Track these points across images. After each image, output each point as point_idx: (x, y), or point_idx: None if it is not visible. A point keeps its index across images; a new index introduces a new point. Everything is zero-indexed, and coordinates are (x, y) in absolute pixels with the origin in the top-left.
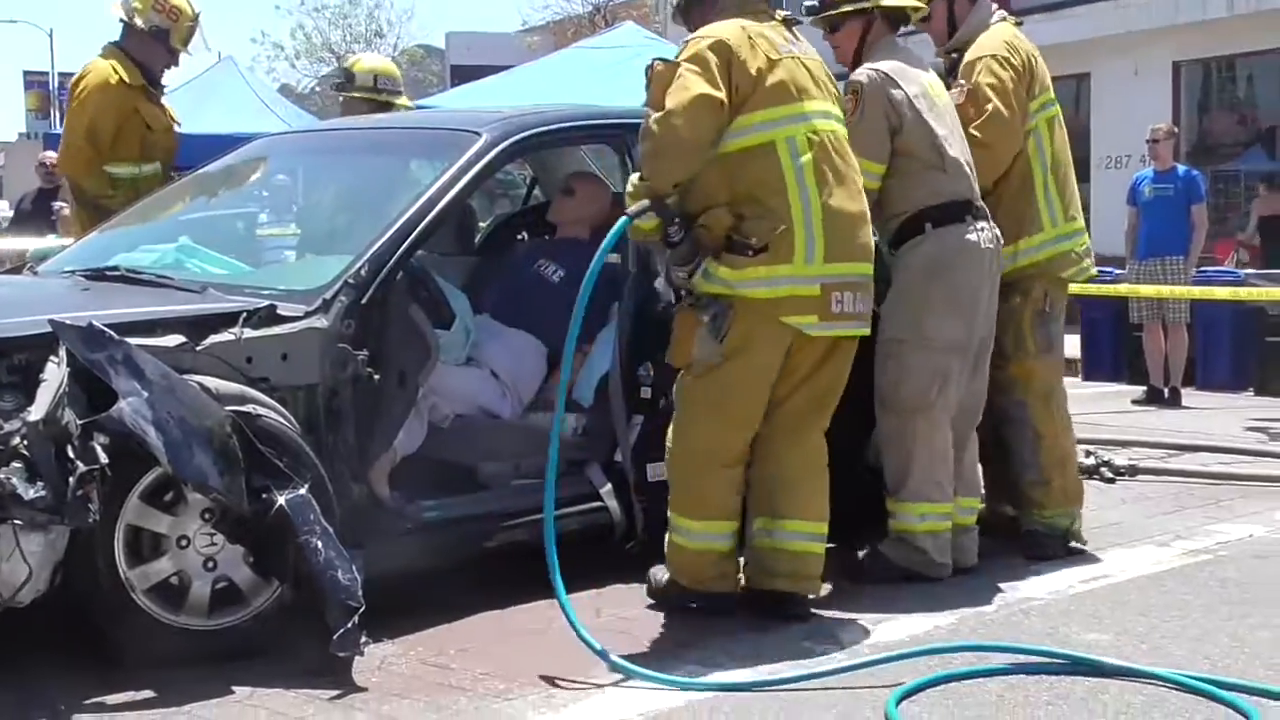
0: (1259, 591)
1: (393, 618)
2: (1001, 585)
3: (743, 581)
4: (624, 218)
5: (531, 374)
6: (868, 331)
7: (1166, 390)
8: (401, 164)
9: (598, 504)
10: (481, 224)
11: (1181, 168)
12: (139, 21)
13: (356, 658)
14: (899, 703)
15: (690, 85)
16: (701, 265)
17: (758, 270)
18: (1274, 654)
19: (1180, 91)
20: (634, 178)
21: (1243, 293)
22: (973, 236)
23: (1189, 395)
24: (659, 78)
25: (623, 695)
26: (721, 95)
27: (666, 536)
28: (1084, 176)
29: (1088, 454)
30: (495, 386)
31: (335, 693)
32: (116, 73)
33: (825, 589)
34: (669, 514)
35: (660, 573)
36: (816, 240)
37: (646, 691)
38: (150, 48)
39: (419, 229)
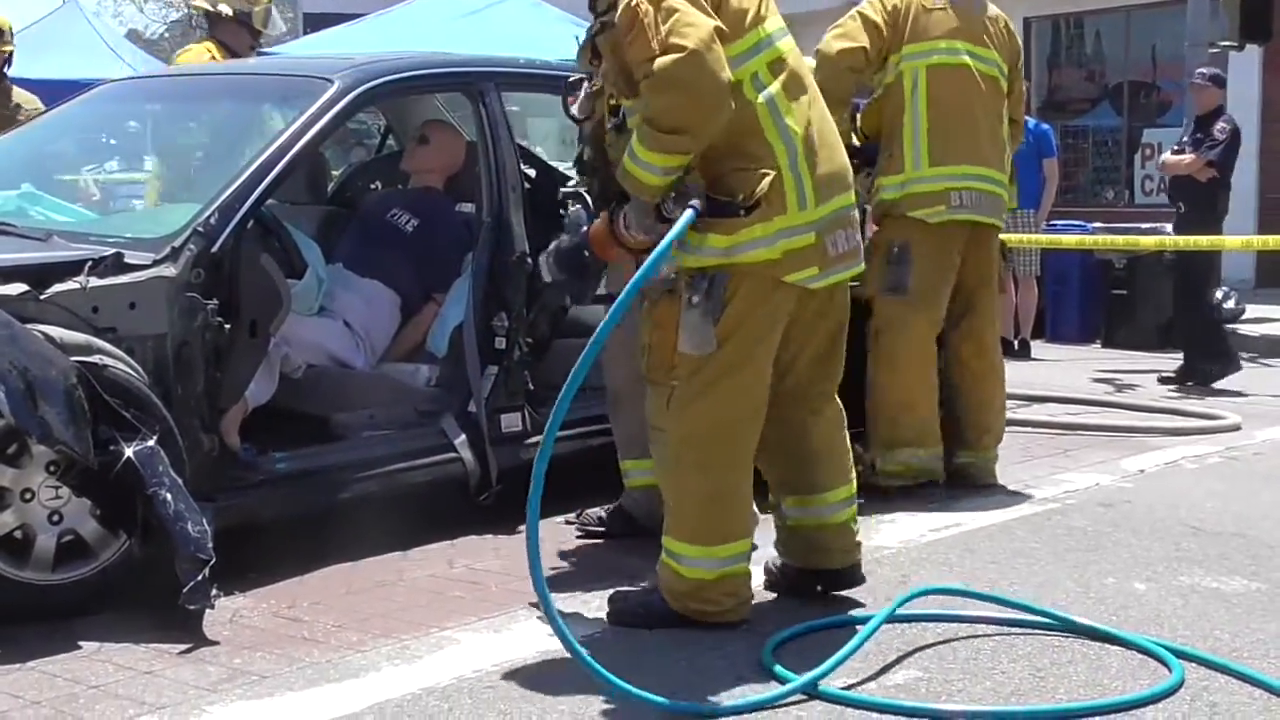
0: (1104, 539)
1: (244, 570)
2: None
3: (779, 563)
4: (690, 210)
5: (385, 324)
6: (863, 267)
7: (1016, 342)
8: (252, 111)
9: (451, 455)
10: (335, 173)
11: (1032, 121)
12: (224, 9)
13: (207, 611)
14: (774, 652)
15: (695, 19)
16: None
17: (753, 230)
18: (1117, 600)
19: (1030, 47)
20: (643, 143)
21: (1088, 240)
22: None
23: (1038, 347)
24: (634, 23)
25: (477, 644)
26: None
27: (666, 567)
28: None
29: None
30: (348, 337)
31: (185, 646)
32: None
33: None
34: (669, 545)
35: (636, 600)
36: (805, 180)
37: (500, 641)
38: (237, 33)
39: (270, 177)
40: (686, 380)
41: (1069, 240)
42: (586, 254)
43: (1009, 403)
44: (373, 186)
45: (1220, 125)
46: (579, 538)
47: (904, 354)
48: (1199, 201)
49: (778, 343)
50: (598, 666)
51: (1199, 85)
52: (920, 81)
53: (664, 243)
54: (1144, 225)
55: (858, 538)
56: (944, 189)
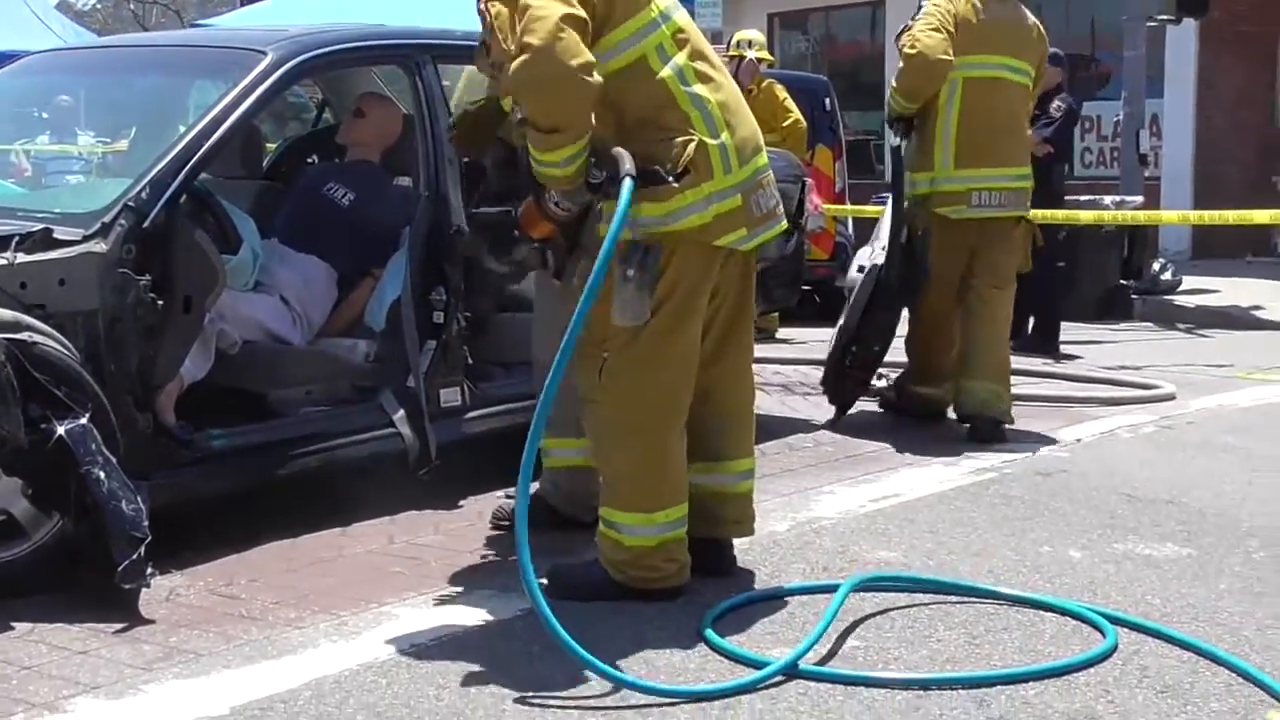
0: (1041, 508)
1: (180, 549)
2: (793, 505)
3: None
4: (628, 180)
5: (321, 299)
6: (784, 225)
7: None
8: (185, 84)
9: (390, 430)
10: (270, 146)
11: None
12: None
13: (143, 590)
14: (714, 623)
15: (543, 10)
16: (600, 213)
17: (685, 197)
18: (1053, 568)
19: None
20: (533, 145)
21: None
22: None
23: None
24: (492, 28)
25: (417, 620)
26: (583, 13)
27: (606, 538)
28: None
29: (879, 377)
30: (284, 312)
31: (121, 626)
32: None
33: None
34: (608, 515)
35: (578, 573)
36: (727, 144)
37: (440, 616)
38: None
39: (202, 151)
40: (619, 351)
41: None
42: (515, 232)
43: None
44: (309, 160)
45: (1056, 104)
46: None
47: (935, 314)
48: (1035, 179)
49: (704, 308)
50: (593, 659)
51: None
52: (958, 92)
53: (615, 223)
54: (1084, 197)
55: (752, 513)
56: (967, 190)
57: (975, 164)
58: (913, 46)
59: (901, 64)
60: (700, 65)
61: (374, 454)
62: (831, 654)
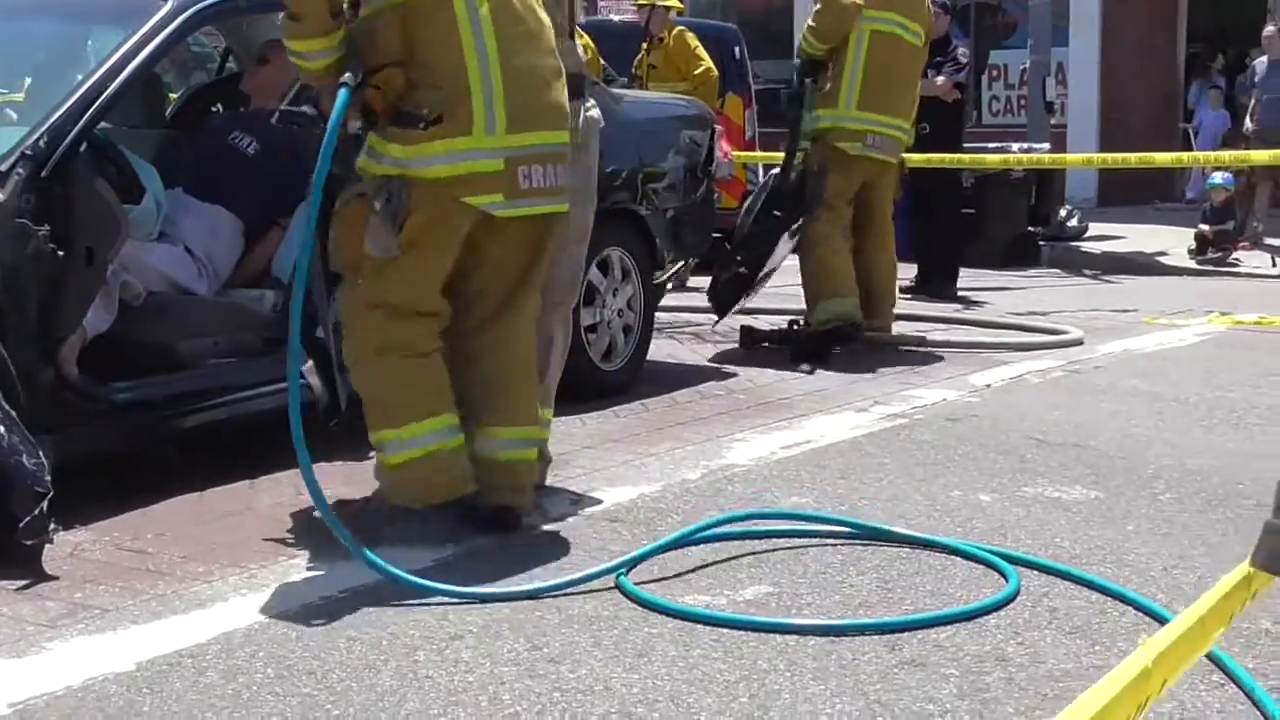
0: (951, 453)
1: (86, 504)
2: (705, 453)
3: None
4: (343, 89)
5: (228, 249)
6: (567, 208)
7: None
8: (83, 31)
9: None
10: (174, 95)
11: None
12: None
13: (46, 546)
14: (628, 572)
15: None
16: (365, 141)
17: (434, 145)
18: (963, 512)
19: None
20: (285, 34)
21: (935, 159)
22: (595, 114)
23: None
24: None
25: (328, 571)
26: None
27: (376, 463)
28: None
29: (792, 324)
30: (190, 263)
31: (23, 582)
32: None
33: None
34: (375, 439)
35: (363, 507)
36: (498, 107)
37: (350, 567)
38: None
39: (102, 99)
40: (368, 279)
41: (916, 158)
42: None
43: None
44: (213, 109)
45: (963, 50)
46: None
47: (829, 240)
48: (944, 122)
49: (449, 265)
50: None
51: (933, 12)
52: (865, 42)
53: (330, 128)
54: (991, 145)
55: (525, 483)
56: (864, 130)
57: (874, 109)
58: None
59: (818, 6)
60: (504, 23)
61: (282, 406)
62: (747, 601)
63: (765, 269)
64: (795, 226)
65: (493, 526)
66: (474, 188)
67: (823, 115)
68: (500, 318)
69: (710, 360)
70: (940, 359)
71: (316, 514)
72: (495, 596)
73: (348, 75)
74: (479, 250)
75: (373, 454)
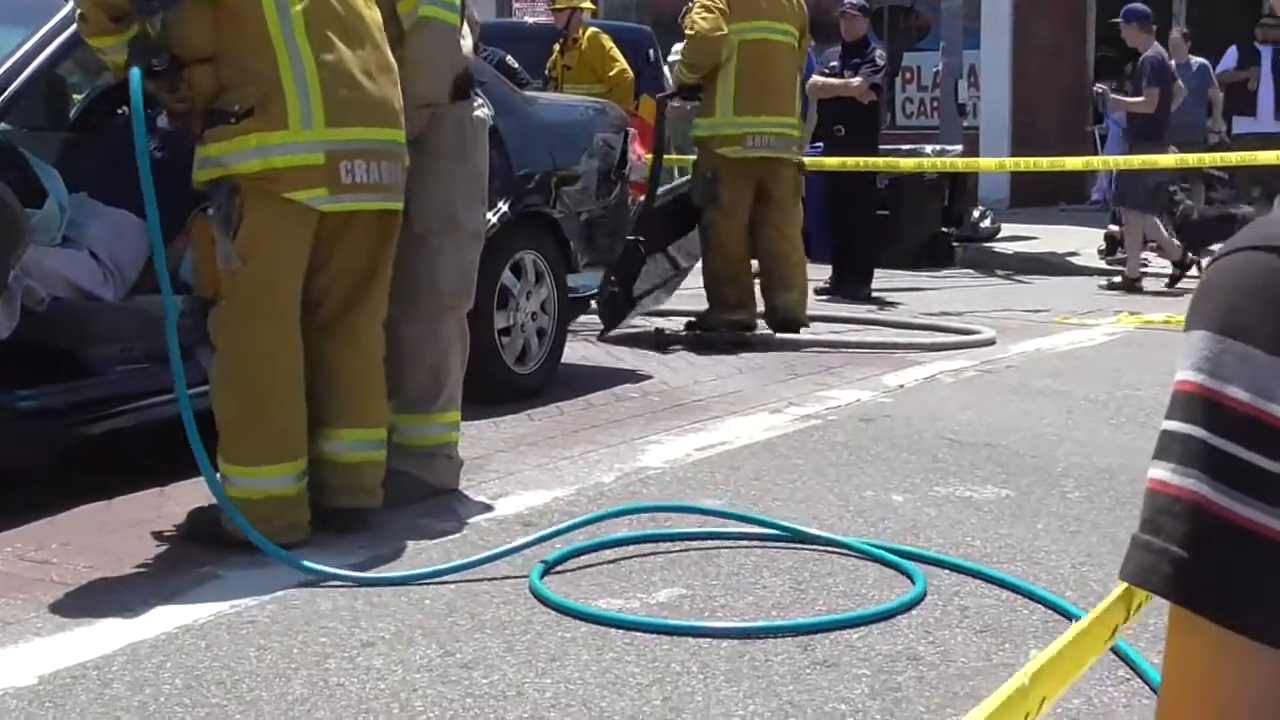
0: (864, 453)
1: None
2: (619, 456)
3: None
4: (136, 73)
5: (134, 254)
6: (399, 206)
7: None
8: None
9: (207, 387)
10: (78, 97)
11: None
12: None
13: None
14: (542, 577)
15: None
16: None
17: (247, 140)
18: (876, 512)
19: None
20: (80, 27)
21: (849, 162)
22: (482, 114)
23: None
24: None
25: (239, 580)
26: None
27: (223, 490)
28: None
29: (688, 325)
30: (95, 268)
31: None
32: None
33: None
34: (223, 467)
35: (207, 517)
36: (314, 101)
37: (263, 575)
38: None
39: (1, 99)
40: (226, 299)
41: (831, 162)
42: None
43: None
44: (119, 111)
45: (880, 52)
46: None
47: (726, 247)
48: (860, 124)
49: (303, 265)
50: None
51: (850, 14)
52: (735, 53)
53: (134, 111)
54: (905, 147)
55: (373, 484)
56: (744, 133)
57: (750, 112)
58: (692, 28)
59: (687, 40)
60: (327, 22)
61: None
62: (659, 604)
63: (639, 290)
64: (673, 246)
65: (341, 528)
66: (295, 182)
67: (701, 124)
68: (346, 318)
69: (625, 363)
70: (854, 360)
71: (226, 522)
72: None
73: (142, 59)
74: (321, 250)
75: None
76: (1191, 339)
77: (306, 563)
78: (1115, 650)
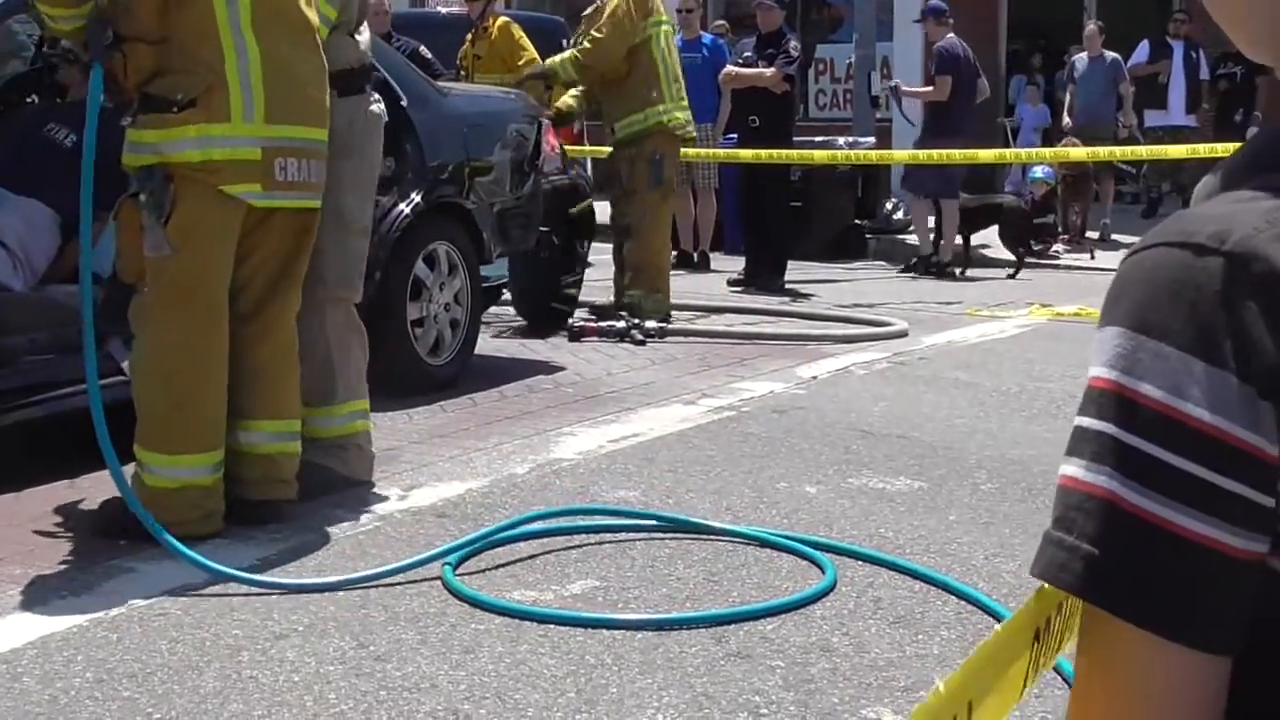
0: (778, 445)
1: None
2: (533, 447)
3: None
4: (96, 64)
5: (44, 244)
6: (318, 204)
7: (696, 254)
8: None
9: (120, 378)
10: None
11: (708, 37)
12: None
13: None
14: (455, 569)
15: None
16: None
17: (187, 130)
18: (789, 503)
19: None
20: None
21: (764, 154)
22: (377, 109)
23: (717, 259)
24: None
25: (151, 573)
26: None
27: (136, 479)
28: None
29: (620, 317)
30: (4, 257)
31: None
32: None
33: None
34: (137, 452)
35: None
36: (256, 96)
37: (175, 568)
38: None
39: None
40: (151, 286)
41: (745, 154)
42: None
43: (688, 314)
44: (28, 100)
45: (795, 43)
46: None
47: (664, 230)
48: (774, 115)
49: (231, 257)
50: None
51: (766, 6)
52: (662, 41)
53: (90, 100)
54: (818, 138)
55: (289, 474)
56: (687, 117)
57: (680, 98)
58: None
59: (601, 29)
60: (265, 18)
61: (105, 402)
62: (573, 595)
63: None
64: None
65: (257, 520)
66: (231, 175)
67: (651, 113)
68: (263, 310)
69: (538, 354)
70: (768, 351)
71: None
72: (320, 587)
73: (97, 32)
74: (244, 243)
75: None
76: (1105, 335)
77: (209, 563)
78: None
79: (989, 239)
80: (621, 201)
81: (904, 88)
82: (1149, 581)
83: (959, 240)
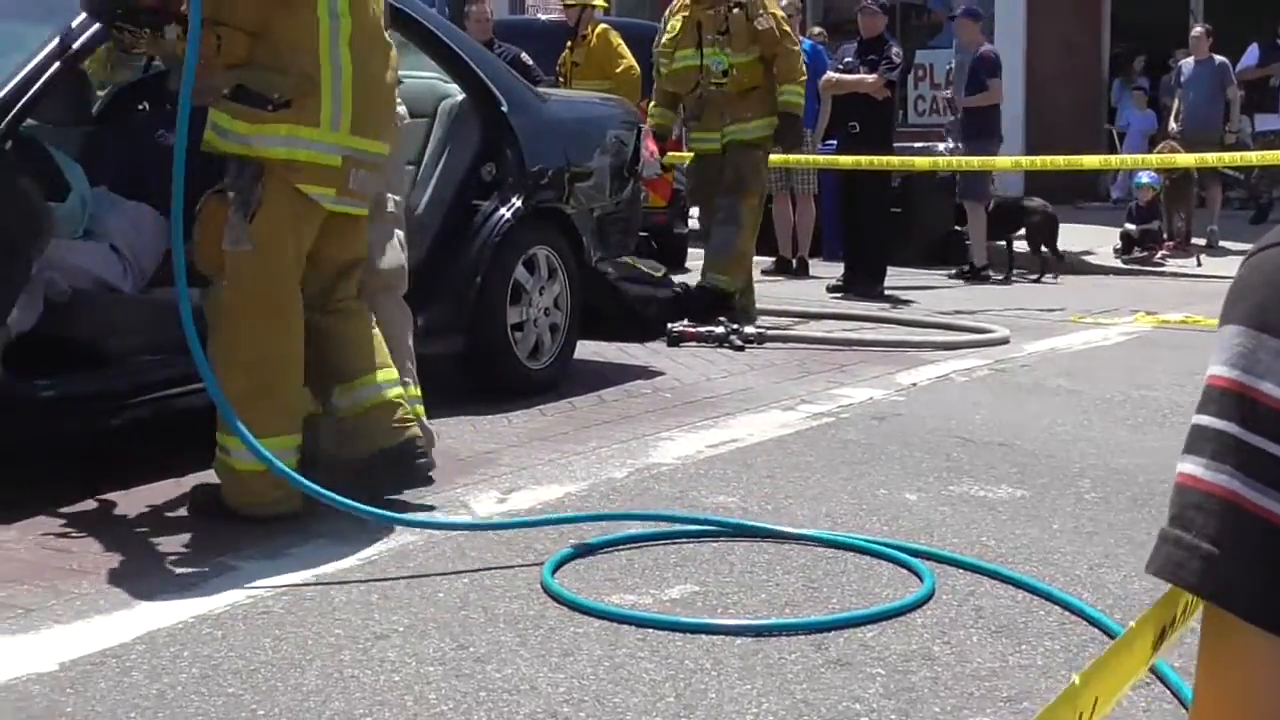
0: (877, 451)
1: (10, 501)
2: (631, 452)
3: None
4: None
5: (153, 247)
6: (366, 213)
7: (794, 260)
8: (5, 27)
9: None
10: (100, 93)
11: (807, 42)
12: None
13: None
14: (554, 572)
15: None
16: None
17: (278, 128)
18: (889, 511)
19: None
20: None
21: (864, 160)
22: (400, 110)
23: (815, 265)
24: None
25: (255, 571)
26: None
27: (220, 463)
28: None
29: (719, 322)
30: (115, 260)
31: None
32: None
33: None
34: (223, 441)
35: (212, 494)
36: (344, 108)
37: (277, 567)
38: None
39: (27, 96)
40: (231, 279)
41: (845, 160)
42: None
43: (787, 319)
44: (139, 107)
45: (897, 49)
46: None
47: (754, 228)
48: (874, 121)
49: (303, 254)
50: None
51: (869, 11)
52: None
53: (190, 46)
54: (917, 144)
55: (409, 416)
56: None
57: None
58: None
59: (790, 54)
60: (361, 38)
61: (211, 403)
62: (672, 600)
63: None
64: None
65: (400, 471)
66: (311, 176)
67: (763, 125)
68: (337, 294)
69: (636, 359)
70: (867, 358)
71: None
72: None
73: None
74: (316, 242)
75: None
76: (1225, 334)
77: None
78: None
79: (1092, 244)
80: (733, 195)
81: (960, 100)
82: (1270, 581)
83: (998, 244)
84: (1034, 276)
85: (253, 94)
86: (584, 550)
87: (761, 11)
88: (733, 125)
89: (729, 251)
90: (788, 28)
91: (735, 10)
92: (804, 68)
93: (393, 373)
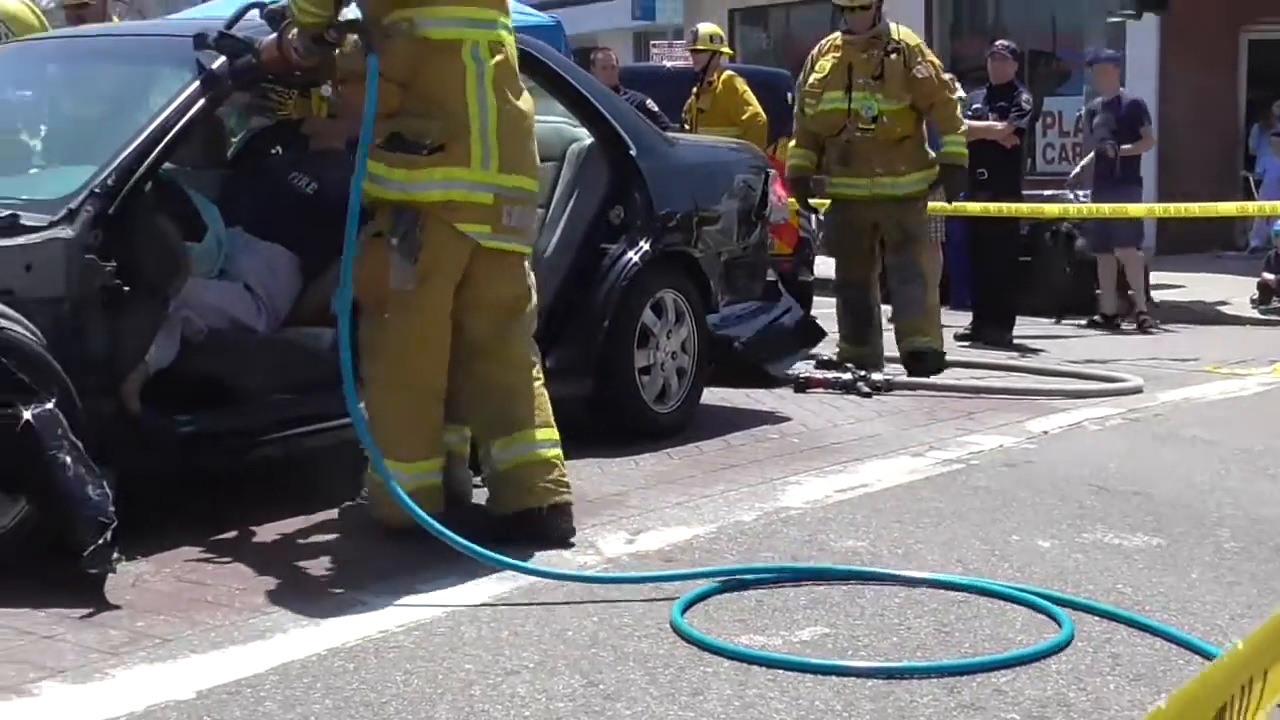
0: (1008, 498)
1: (147, 534)
2: (759, 495)
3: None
4: (371, 58)
5: (286, 287)
6: (530, 250)
7: None
8: (149, 72)
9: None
10: (235, 138)
11: None
12: None
13: (109, 575)
14: (683, 612)
15: None
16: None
17: (432, 172)
18: (1021, 557)
19: (933, 16)
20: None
21: (992, 208)
22: None
23: (943, 313)
24: None
25: (385, 606)
26: None
27: (373, 481)
28: None
29: (845, 369)
30: (249, 300)
31: (87, 611)
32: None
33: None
34: (375, 464)
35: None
36: (492, 147)
37: (408, 602)
38: None
39: (167, 138)
40: (395, 314)
41: (973, 207)
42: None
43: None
44: (273, 150)
45: (1026, 96)
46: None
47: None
48: (1003, 168)
49: (453, 289)
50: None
51: (1000, 56)
52: None
53: (369, 101)
54: (1046, 192)
55: (564, 479)
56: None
57: None
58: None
59: (953, 101)
60: (503, 79)
61: (339, 441)
62: (802, 642)
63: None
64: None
65: (543, 533)
66: (467, 216)
67: (919, 179)
68: (499, 340)
69: (763, 404)
70: (995, 405)
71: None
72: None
73: (371, 60)
74: (475, 285)
75: None
76: None
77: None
78: None
79: (1227, 294)
80: (903, 251)
81: (1123, 148)
82: None
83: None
84: (1088, 320)
85: (407, 141)
86: (714, 590)
87: (920, 60)
88: (885, 177)
89: (919, 309)
90: (946, 77)
91: (892, 56)
92: (963, 118)
93: (554, 433)
